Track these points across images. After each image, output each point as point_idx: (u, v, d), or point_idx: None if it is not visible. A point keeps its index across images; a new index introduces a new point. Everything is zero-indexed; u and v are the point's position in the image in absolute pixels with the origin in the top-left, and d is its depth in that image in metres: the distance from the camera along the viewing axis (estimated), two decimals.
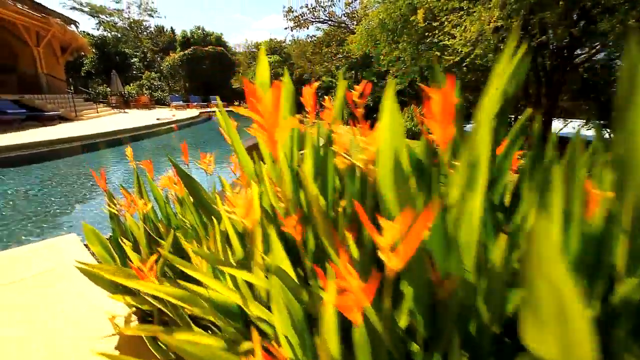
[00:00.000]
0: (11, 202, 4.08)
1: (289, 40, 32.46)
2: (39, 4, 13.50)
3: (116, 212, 1.19)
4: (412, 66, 11.74)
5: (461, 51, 7.79)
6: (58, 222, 3.53)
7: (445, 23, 8.66)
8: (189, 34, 34.00)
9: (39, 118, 9.67)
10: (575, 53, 9.80)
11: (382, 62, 13.08)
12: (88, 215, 3.73)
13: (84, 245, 2.17)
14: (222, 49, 31.40)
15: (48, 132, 8.19)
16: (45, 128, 8.90)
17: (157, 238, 1.09)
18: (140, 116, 13.57)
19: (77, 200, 4.18)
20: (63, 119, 10.77)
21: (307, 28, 20.23)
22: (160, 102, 26.18)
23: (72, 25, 15.84)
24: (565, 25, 6.25)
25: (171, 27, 38.32)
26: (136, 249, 1.11)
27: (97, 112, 13.66)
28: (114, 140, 7.75)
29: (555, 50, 9.15)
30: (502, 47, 4.96)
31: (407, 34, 10.41)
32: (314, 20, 19.42)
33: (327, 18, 19.86)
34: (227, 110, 0.99)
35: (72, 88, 19.41)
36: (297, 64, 23.70)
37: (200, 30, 34.40)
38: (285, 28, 19.49)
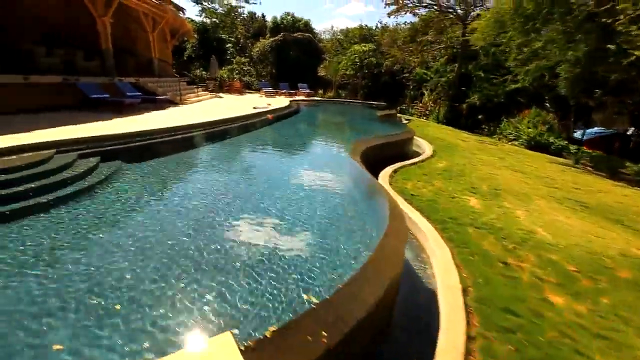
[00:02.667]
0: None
1: (378, 27, 30.61)
2: None
3: None
4: (557, 59, 9.40)
5: None
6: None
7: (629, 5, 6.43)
8: (279, 20, 34.38)
9: (152, 101, 10.08)
10: None
11: (510, 55, 10.83)
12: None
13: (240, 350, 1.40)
14: (310, 35, 31.04)
15: (162, 117, 8.35)
16: (158, 112, 9.19)
17: None
18: (236, 102, 13.69)
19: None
20: (171, 102, 11.19)
21: (414, 13, 18.38)
22: (248, 87, 26.97)
23: (180, 12, 16.66)
24: None
25: (262, 14, 39.29)
26: None
27: (198, 96, 14.16)
28: (223, 130, 7.52)
29: None
30: None
31: (559, 19, 8.20)
32: (418, 4, 17.47)
33: (432, 2, 17.72)
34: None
35: (175, 71, 20.85)
36: (390, 52, 21.99)
37: (290, 17, 34.49)
38: (389, 14, 17.84)
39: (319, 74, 26.49)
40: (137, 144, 5.59)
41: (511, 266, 3.33)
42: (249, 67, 30.11)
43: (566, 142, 10.89)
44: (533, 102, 14.82)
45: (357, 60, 21.60)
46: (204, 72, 28.10)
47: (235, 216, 3.75)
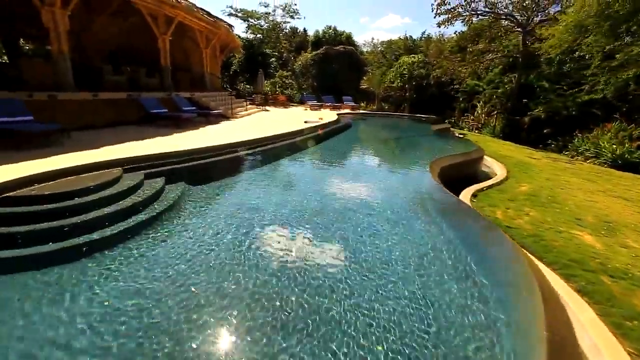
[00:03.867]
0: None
1: (421, 39, 29.75)
2: (207, 11, 14.75)
3: None
4: None
5: None
6: None
7: None
8: (320, 34, 34.73)
9: (205, 115, 10.13)
10: None
11: (593, 61, 9.61)
12: None
13: None
14: (352, 48, 30.90)
15: (219, 132, 8.25)
16: (213, 126, 9.17)
17: None
18: (284, 116, 13.56)
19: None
20: (223, 116, 11.23)
21: (470, 22, 17.42)
22: (290, 100, 27.24)
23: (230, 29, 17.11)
24: None
25: (304, 28, 40.03)
26: None
27: (247, 110, 14.24)
28: (283, 146, 7.19)
29: None
30: None
31: None
32: (474, 12, 16.52)
33: (488, 9, 16.68)
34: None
35: (223, 85, 21.48)
36: (437, 63, 21.05)
37: (331, 30, 34.74)
38: (439, 23, 17.06)
39: (361, 86, 26.05)
40: (200, 162, 5.36)
41: None
42: (291, 81, 30.52)
43: None
44: (609, 114, 13.18)
45: (406, 72, 20.87)
46: (247, 86, 28.83)
47: (326, 262, 3.19)
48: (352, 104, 20.02)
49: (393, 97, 25.18)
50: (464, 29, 20.82)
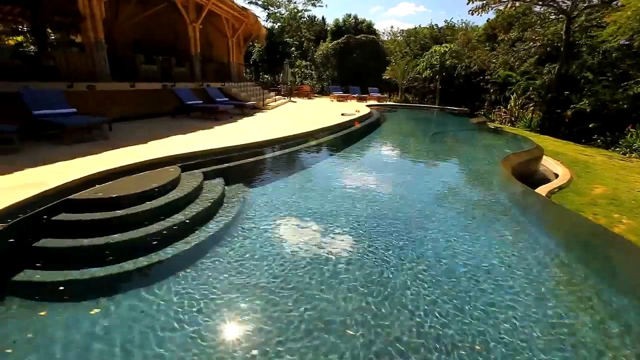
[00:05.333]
0: None
1: (443, 27, 28.45)
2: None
3: None
4: None
5: None
6: None
7: None
8: (341, 22, 33.73)
9: (239, 107, 9.77)
10: None
11: None
12: None
13: None
14: (374, 37, 29.91)
15: (260, 125, 7.88)
16: (249, 118, 8.82)
17: None
18: (315, 107, 13.10)
19: None
20: (255, 108, 10.86)
21: (513, 8, 16.39)
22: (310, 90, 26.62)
23: None
24: None
25: (322, 17, 38.98)
26: None
27: (275, 101, 13.83)
28: (333, 139, 6.76)
29: None
30: None
31: None
32: None
33: None
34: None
35: (247, 76, 21.01)
36: (467, 53, 20.04)
37: (352, 19, 33.70)
38: (472, 11, 16.05)
39: (383, 77, 25.18)
40: (253, 159, 4.99)
41: None
42: (310, 71, 29.80)
43: None
44: None
45: (436, 62, 20.01)
46: (266, 76, 28.28)
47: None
48: (379, 95, 19.35)
49: (417, 89, 24.28)
50: (493, 16, 19.78)
